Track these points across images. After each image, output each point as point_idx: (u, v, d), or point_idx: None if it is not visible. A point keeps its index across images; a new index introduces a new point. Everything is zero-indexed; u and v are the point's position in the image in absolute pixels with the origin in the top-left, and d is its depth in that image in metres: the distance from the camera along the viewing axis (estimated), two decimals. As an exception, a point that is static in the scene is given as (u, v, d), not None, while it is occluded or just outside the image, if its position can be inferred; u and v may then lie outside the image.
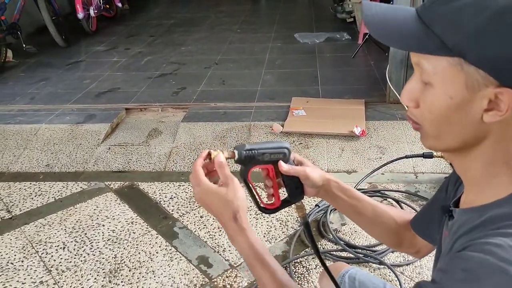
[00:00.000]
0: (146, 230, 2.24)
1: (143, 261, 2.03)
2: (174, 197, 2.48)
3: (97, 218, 2.34)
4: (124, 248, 2.12)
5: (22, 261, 2.06)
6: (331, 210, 2.22)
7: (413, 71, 0.67)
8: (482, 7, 0.56)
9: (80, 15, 5.07)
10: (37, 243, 2.18)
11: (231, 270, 1.96)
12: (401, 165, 2.60)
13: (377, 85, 3.63)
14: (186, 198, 2.46)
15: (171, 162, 2.80)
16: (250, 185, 0.89)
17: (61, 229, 2.27)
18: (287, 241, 2.10)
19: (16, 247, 2.15)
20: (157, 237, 2.19)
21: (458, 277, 0.55)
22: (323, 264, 0.99)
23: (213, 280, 1.91)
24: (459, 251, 0.59)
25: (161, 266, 2.00)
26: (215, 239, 2.14)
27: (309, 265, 1.95)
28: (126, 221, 2.31)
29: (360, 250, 2.00)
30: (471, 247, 0.57)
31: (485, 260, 0.53)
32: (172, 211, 2.37)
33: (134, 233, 2.22)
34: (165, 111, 3.49)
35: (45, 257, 2.09)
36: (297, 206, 0.94)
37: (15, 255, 2.10)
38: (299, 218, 0.96)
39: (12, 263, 2.05)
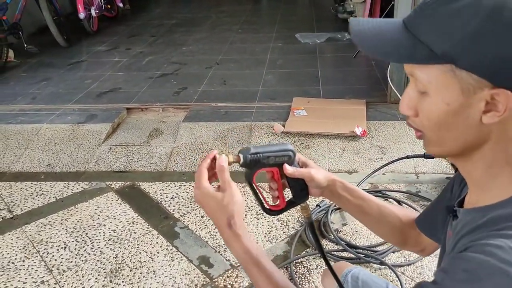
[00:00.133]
0: (147, 230, 2.24)
1: (144, 261, 2.04)
2: (175, 197, 2.48)
3: (98, 218, 2.34)
4: (125, 248, 2.12)
5: (23, 261, 2.07)
6: (332, 210, 2.22)
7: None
8: (468, 14, 0.57)
9: (82, 15, 5.07)
10: (38, 242, 2.18)
11: (232, 270, 1.96)
12: (402, 165, 2.60)
13: (378, 85, 3.63)
14: (187, 198, 2.46)
15: (172, 162, 2.80)
16: (256, 188, 0.89)
17: (62, 229, 2.27)
18: (288, 241, 2.10)
19: (17, 247, 2.16)
20: (158, 237, 2.19)
21: (459, 278, 0.55)
22: (328, 264, 0.99)
23: (214, 280, 1.91)
24: (461, 252, 0.59)
25: (162, 266, 2.00)
26: (216, 239, 2.14)
27: (310, 265, 1.95)
28: (127, 221, 2.31)
29: (361, 250, 2.00)
30: (472, 248, 0.58)
31: (486, 261, 0.54)
32: (173, 211, 2.37)
33: (135, 233, 2.22)
34: (166, 111, 3.49)
35: (46, 256, 2.09)
36: (301, 207, 0.95)
37: (16, 255, 2.10)
38: (304, 218, 0.96)
39: (13, 263, 2.05)
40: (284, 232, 2.16)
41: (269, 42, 5.07)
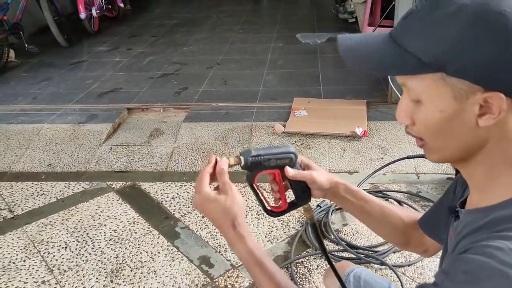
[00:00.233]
0: (147, 230, 2.24)
1: (145, 261, 2.04)
2: (176, 197, 2.48)
3: (99, 218, 2.34)
4: (125, 248, 2.12)
5: (24, 261, 2.07)
6: (332, 211, 2.22)
7: None
8: (452, 22, 0.58)
9: (82, 15, 5.07)
10: (39, 242, 2.18)
11: (232, 270, 1.96)
12: (403, 165, 2.60)
13: (379, 85, 3.62)
14: (188, 198, 2.46)
15: (172, 162, 2.81)
16: (257, 190, 0.90)
17: (63, 229, 2.28)
18: (289, 242, 2.10)
19: (18, 247, 2.16)
20: (158, 237, 2.19)
21: (459, 279, 0.56)
22: (331, 264, 0.99)
23: (214, 280, 1.91)
24: (461, 253, 0.60)
25: (162, 266, 2.00)
26: (216, 239, 2.14)
27: (310, 266, 1.95)
28: (128, 221, 2.31)
29: (361, 251, 2.00)
30: (472, 249, 0.58)
31: (486, 263, 0.54)
32: (173, 211, 2.37)
33: (135, 233, 2.23)
34: (167, 111, 3.49)
35: (47, 256, 2.09)
36: (304, 208, 0.95)
37: (17, 255, 2.11)
38: (307, 219, 0.96)
39: (14, 263, 2.06)
40: (285, 232, 2.16)
41: (269, 42, 5.07)
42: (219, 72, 4.22)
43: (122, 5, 6.38)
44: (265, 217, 2.24)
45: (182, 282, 1.91)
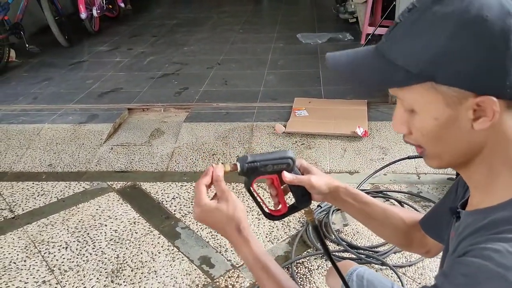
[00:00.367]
0: (148, 230, 2.24)
1: (145, 261, 2.04)
2: (176, 197, 2.48)
3: (100, 218, 2.34)
4: (126, 248, 2.12)
5: (25, 261, 2.07)
6: (333, 211, 2.21)
7: None
8: (435, 31, 0.59)
9: (83, 15, 5.07)
10: (39, 242, 2.18)
11: (233, 270, 1.96)
12: (403, 165, 2.60)
13: (380, 85, 3.62)
14: (188, 198, 2.46)
15: (173, 162, 2.81)
16: (255, 195, 0.90)
17: (64, 229, 2.28)
18: (289, 242, 2.10)
19: (19, 247, 2.16)
20: (159, 237, 2.19)
21: (458, 282, 0.57)
22: (334, 265, 0.99)
23: (215, 281, 1.91)
24: (460, 256, 0.60)
25: (163, 266, 2.00)
26: (217, 239, 2.14)
27: (311, 266, 1.95)
28: (129, 221, 2.31)
29: (362, 251, 2.00)
30: (471, 252, 0.59)
31: (484, 265, 0.55)
32: (174, 211, 2.37)
33: (136, 233, 2.23)
34: (168, 111, 3.49)
35: (48, 256, 2.09)
36: (305, 211, 0.95)
37: (17, 255, 2.11)
38: (309, 222, 0.97)
39: (14, 263, 2.06)
40: (285, 233, 2.16)
41: (270, 42, 5.07)
42: (219, 72, 4.22)
43: (122, 5, 6.37)
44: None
45: (183, 282, 1.91)
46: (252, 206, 2.31)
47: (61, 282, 1.94)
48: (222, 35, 5.48)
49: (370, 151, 2.76)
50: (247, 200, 2.33)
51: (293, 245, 2.06)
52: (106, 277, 1.96)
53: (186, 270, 1.98)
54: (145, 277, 1.95)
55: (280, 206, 0.93)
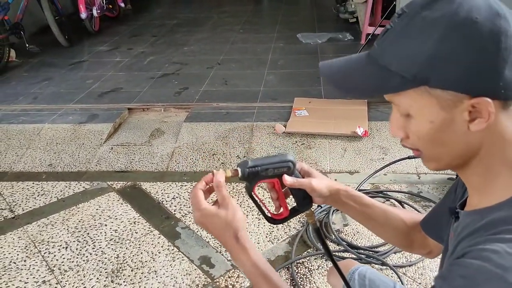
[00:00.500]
0: (148, 230, 2.24)
1: (145, 261, 2.04)
2: (177, 197, 2.48)
3: (100, 218, 2.34)
4: (126, 248, 2.12)
5: (25, 261, 2.07)
6: (333, 211, 2.21)
7: None
8: (426, 35, 0.59)
9: (83, 15, 5.07)
10: (39, 242, 2.18)
11: (233, 270, 1.96)
12: (403, 165, 2.60)
13: (380, 85, 3.62)
14: (188, 198, 2.46)
15: (173, 162, 2.81)
16: (257, 199, 0.90)
17: (64, 228, 2.28)
18: (290, 242, 2.10)
19: (19, 247, 2.16)
20: (159, 237, 2.19)
21: (457, 284, 0.57)
22: (335, 265, 0.99)
23: (215, 280, 1.91)
24: (459, 258, 0.60)
25: (163, 266, 2.00)
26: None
27: (311, 266, 1.95)
28: (129, 221, 2.31)
29: (362, 251, 2.00)
30: (470, 253, 0.59)
31: (483, 267, 0.55)
32: (174, 211, 2.37)
33: (136, 233, 2.23)
34: (168, 111, 3.49)
35: (48, 256, 2.09)
36: (306, 214, 0.95)
37: (17, 255, 2.11)
38: (310, 225, 0.97)
39: (14, 263, 2.06)
40: (286, 233, 2.16)
41: (270, 42, 5.07)
42: (219, 72, 4.22)
43: (122, 5, 6.38)
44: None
45: (183, 282, 1.91)
46: (253, 206, 2.31)
47: (61, 282, 1.94)
48: (222, 35, 5.48)
49: (370, 151, 2.76)
50: (247, 200, 2.33)
51: (293, 245, 2.06)
52: (106, 277, 1.96)
53: (186, 270, 1.98)
54: (145, 277, 1.95)
55: (281, 209, 0.94)
